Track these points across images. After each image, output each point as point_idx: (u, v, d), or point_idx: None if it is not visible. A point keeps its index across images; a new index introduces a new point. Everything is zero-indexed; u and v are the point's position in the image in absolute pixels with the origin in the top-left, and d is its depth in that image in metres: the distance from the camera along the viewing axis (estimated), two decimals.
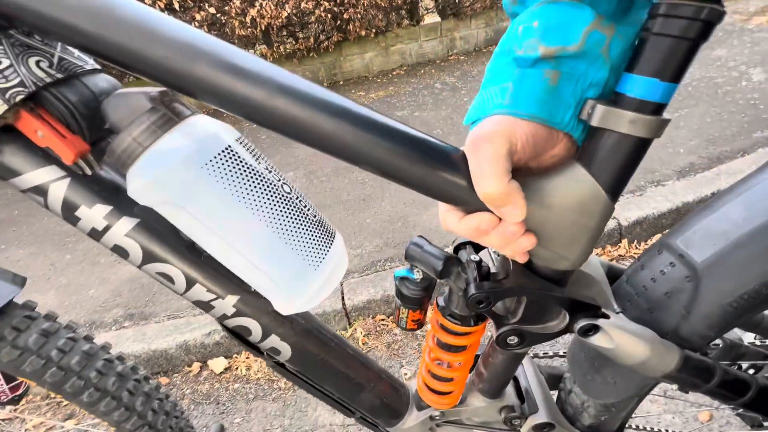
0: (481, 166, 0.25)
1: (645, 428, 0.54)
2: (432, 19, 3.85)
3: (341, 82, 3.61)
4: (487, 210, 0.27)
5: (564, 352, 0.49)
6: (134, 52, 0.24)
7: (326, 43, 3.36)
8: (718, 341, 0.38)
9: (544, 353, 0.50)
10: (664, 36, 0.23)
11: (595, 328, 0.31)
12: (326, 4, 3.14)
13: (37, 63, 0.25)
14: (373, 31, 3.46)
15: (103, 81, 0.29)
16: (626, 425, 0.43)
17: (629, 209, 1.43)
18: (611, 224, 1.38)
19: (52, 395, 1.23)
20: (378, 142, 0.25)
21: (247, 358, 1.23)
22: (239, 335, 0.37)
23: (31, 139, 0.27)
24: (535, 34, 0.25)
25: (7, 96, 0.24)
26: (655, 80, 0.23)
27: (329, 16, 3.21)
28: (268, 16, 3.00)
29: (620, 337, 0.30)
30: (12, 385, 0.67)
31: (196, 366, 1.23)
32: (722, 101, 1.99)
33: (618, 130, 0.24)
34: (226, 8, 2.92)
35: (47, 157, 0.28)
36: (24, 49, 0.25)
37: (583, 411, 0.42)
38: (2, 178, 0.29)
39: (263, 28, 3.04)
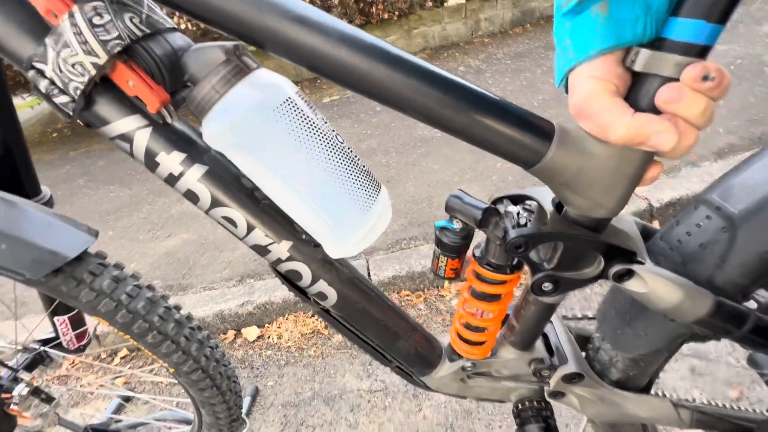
0: (598, 119, 0.26)
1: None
2: (456, 0, 3.76)
3: None
4: None
5: (593, 315, 0.51)
6: (214, 7, 0.27)
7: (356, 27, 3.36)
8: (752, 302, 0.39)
9: (573, 315, 0.51)
10: None
11: (630, 273, 0.32)
12: None
13: (131, 19, 0.29)
14: (396, 13, 3.42)
15: (179, 38, 0.32)
16: (653, 382, 0.44)
17: (662, 190, 1.39)
18: (642, 205, 1.35)
19: (103, 356, 1.34)
20: (450, 100, 0.28)
21: (278, 327, 1.29)
22: (290, 280, 0.41)
23: (122, 88, 0.30)
24: None
25: (108, 47, 0.28)
26: (702, 22, 0.23)
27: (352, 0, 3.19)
28: None
29: (654, 281, 0.31)
30: (77, 333, 0.75)
31: (231, 333, 1.31)
32: None
33: (663, 74, 0.25)
34: None
35: (133, 107, 0.32)
36: (120, 6, 0.29)
37: (611, 366, 0.44)
38: (94, 126, 0.33)
39: None
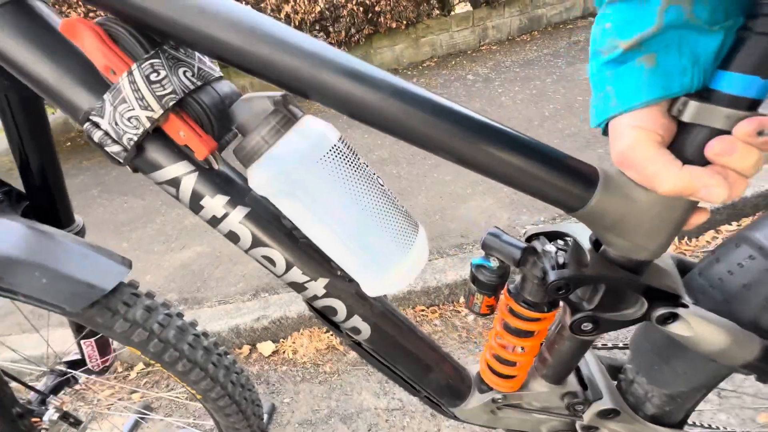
0: (644, 170, 0.26)
1: (702, 425, 0.54)
2: (463, 8, 3.79)
3: None
4: None
5: (623, 344, 0.50)
6: (265, 61, 0.27)
7: (357, 36, 3.39)
8: None
9: (602, 345, 0.51)
10: (765, 35, 0.23)
11: (674, 316, 0.32)
12: None
13: (184, 73, 0.30)
14: (404, 22, 3.45)
15: (227, 87, 0.33)
16: (689, 417, 0.44)
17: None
18: None
19: (120, 370, 1.35)
20: (505, 153, 0.28)
21: (293, 342, 1.30)
22: (324, 315, 0.41)
23: (172, 137, 0.31)
24: (611, 35, 0.26)
25: (163, 102, 0.29)
26: (756, 78, 0.24)
27: (361, 9, 3.23)
28: (302, 11, 3.06)
29: (699, 325, 0.31)
30: (104, 358, 0.76)
31: (246, 348, 1.32)
32: None
33: (712, 125, 0.25)
34: (262, 5, 3.00)
35: (182, 153, 0.33)
36: (175, 62, 0.30)
37: (647, 401, 0.43)
38: (144, 171, 0.34)
39: (297, 23, 3.10)
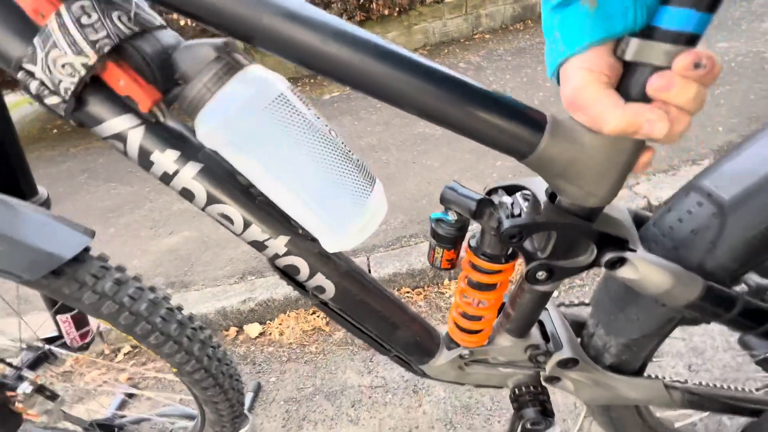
0: (591, 111, 0.26)
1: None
2: None
3: None
4: None
5: (588, 301, 0.51)
6: (204, 3, 0.27)
7: (349, 22, 3.36)
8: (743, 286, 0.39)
9: (569, 302, 0.52)
10: None
11: (622, 261, 0.33)
12: None
13: (119, 17, 0.29)
14: (396, 9, 3.42)
15: (169, 36, 0.32)
16: (646, 366, 0.45)
17: (661, 188, 1.39)
18: (641, 203, 1.35)
19: (106, 352, 1.35)
20: (435, 91, 0.28)
21: (280, 324, 1.30)
22: (288, 275, 0.42)
23: (113, 88, 0.30)
24: None
25: (97, 47, 0.28)
26: (691, 11, 0.24)
27: None
28: None
29: (645, 267, 0.32)
30: (81, 332, 0.76)
31: (233, 330, 1.32)
32: None
33: (654, 62, 0.25)
34: None
35: (125, 106, 0.32)
36: (108, 5, 0.28)
37: (605, 351, 0.44)
38: (87, 125, 0.33)
39: None
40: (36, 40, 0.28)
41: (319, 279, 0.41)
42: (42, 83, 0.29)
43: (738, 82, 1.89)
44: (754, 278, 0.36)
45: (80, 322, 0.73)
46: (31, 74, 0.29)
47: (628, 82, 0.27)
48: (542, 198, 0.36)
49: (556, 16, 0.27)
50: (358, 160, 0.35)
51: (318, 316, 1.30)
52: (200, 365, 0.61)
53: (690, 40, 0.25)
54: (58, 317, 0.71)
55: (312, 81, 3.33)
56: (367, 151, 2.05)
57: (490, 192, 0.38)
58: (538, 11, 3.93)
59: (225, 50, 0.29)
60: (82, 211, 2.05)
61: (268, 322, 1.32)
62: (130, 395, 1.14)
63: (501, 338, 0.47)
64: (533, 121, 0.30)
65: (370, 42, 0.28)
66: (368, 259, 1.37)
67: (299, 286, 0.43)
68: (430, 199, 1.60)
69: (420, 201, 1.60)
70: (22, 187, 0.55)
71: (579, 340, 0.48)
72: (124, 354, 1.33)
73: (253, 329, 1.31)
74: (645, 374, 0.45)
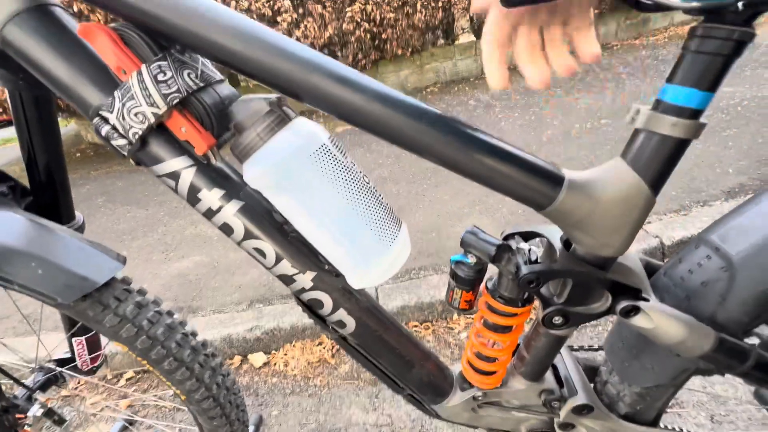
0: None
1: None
2: (467, 38, 3.95)
3: None
4: None
5: (600, 346, 0.51)
6: (263, 66, 0.31)
7: (364, 61, 3.53)
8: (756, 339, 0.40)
9: (580, 346, 0.52)
10: (702, 53, 0.27)
11: (636, 310, 0.34)
12: (366, 25, 3.30)
13: (188, 74, 0.33)
14: (410, 50, 3.59)
15: (226, 89, 0.36)
16: (661, 417, 0.45)
17: (673, 228, 1.40)
18: (653, 243, 1.35)
19: (109, 377, 1.34)
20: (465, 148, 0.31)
21: (285, 354, 1.29)
22: (311, 309, 0.43)
23: (174, 133, 0.34)
24: None
25: (168, 99, 0.32)
26: (694, 90, 0.27)
27: (368, 36, 3.37)
28: (312, 36, 3.20)
29: (659, 317, 0.33)
30: (93, 356, 0.76)
31: (237, 359, 1.31)
32: None
33: (660, 131, 0.29)
34: (274, 29, 3.14)
35: (182, 149, 0.36)
36: (180, 64, 0.33)
37: (619, 400, 0.44)
38: (145, 164, 0.36)
39: None
40: (116, 93, 0.32)
41: (341, 314, 0.43)
42: (113, 128, 0.33)
43: (745, 126, 1.93)
44: (766, 332, 0.37)
45: (93, 345, 0.74)
46: (105, 120, 0.32)
47: (638, 146, 0.31)
48: (557, 245, 0.38)
49: None
50: (387, 205, 0.37)
51: (324, 347, 1.28)
52: (209, 393, 0.61)
53: (693, 114, 0.28)
54: (74, 339, 0.72)
55: (325, 114, 3.45)
56: (379, 182, 2.09)
57: (508, 237, 0.40)
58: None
59: (277, 104, 0.33)
60: (98, 232, 2.10)
61: (273, 351, 1.31)
62: (131, 422, 1.12)
63: (515, 381, 0.47)
64: (553, 176, 0.32)
65: (406, 103, 0.31)
66: (377, 290, 1.37)
67: (321, 320, 0.44)
68: (439, 232, 1.61)
69: (429, 233, 1.62)
70: (61, 211, 0.58)
71: (593, 386, 0.47)
72: (127, 379, 1.32)
73: (257, 359, 1.29)
74: (662, 425, 0.45)
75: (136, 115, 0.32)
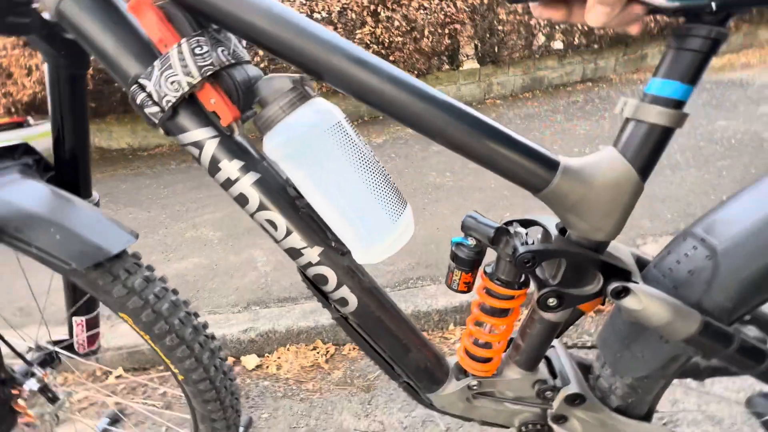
0: None
1: None
2: (471, 65, 4.10)
3: (380, 117, 3.84)
4: None
5: (593, 344, 0.53)
6: (290, 46, 0.34)
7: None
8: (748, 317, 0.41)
9: (574, 344, 0.53)
10: (683, 50, 0.30)
11: (626, 291, 0.36)
12: (375, 47, 3.43)
13: (222, 51, 0.36)
14: (415, 73, 3.72)
15: (253, 69, 0.40)
16: (653, 412, 0.45)
17: None
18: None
19: (98, 374, 1.32)
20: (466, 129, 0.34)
21: (278, 357, 1.28)
22: (315, 284, 0.45)
23: (203, 104, 0.37)
24: None
25: (202, 71, 0.35)
26: (677, 82, 0.30)
27: None
28: None
29: (647, 299, 0.35)
30: (90, 336, 0.77)
31: (229, 360, 1.30)
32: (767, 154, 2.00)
33: (647, 120, 0.32)
34: None
35: (208, 120, 0.38)
36: (215, 41, 0.36)
37: (611, 393, 0.45)
38: (173, 133, 0.39)
39: None
40: (156, 62, 0.35)
41: (344, 291, 0.44)
42: (149, 95, 0.35)
43: (738, 157, 2.00)
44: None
45: (91, 326, 0.75)
46: (142, 87, 0.35)
47: (627, 136, 0.34)
48: (553, 232, 0.40)
49: None
50: (394, 184, 0.40)
51: (318, 352, 1.28)
52: (207, 375, 0.61)
53: (677, 105, 0.31)
54: (74, 318, 0.73)
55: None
56: None
57: (507, 224, 0.42)
58: (546, 84, 4.25)
59: (300, 83, 0.36)
60: None
61: (267, 354, 1.30)
62: (116, 420, 1.10)
63: (510, 370, 0.48)
64: (549, 161, 0.35)
65: (417, 86, 0.34)
66: None
67: (324, 297, 0.46)
68: (438, 245, 1.63)
69: (429, 246, 1.63)
70: (81, 187, 0.61)
71: (586, 382, 0.48)
72: (116, 377, 1.30)
73: (250, 361, 1.28)
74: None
75: (172, 83, 0.35)
